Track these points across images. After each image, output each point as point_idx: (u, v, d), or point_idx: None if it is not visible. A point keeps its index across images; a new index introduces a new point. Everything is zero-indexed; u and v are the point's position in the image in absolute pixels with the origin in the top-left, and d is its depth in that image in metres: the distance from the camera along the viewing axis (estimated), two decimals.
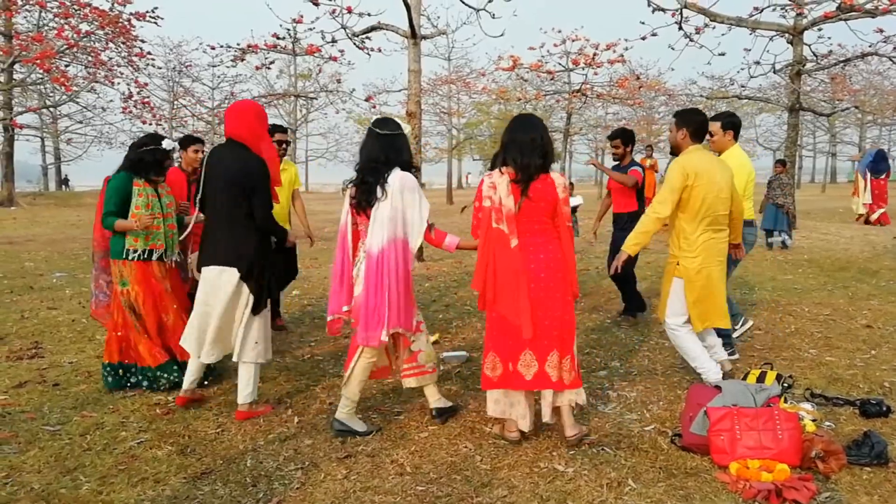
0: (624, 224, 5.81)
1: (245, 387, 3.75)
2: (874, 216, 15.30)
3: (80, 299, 7.26)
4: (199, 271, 3.78)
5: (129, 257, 4.07)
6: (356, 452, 3.32)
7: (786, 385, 4.06)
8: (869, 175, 15.42)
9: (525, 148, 3.29)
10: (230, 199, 3.63)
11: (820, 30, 13.90)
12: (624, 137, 6.10)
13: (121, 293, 4.12)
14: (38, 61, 18.03)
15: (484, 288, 3.36)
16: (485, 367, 3.42)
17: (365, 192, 3.41)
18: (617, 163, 6.16)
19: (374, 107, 20.21)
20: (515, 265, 3.27)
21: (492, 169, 3.43)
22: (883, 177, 15.70)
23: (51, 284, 8.27)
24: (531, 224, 3.31)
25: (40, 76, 21.41)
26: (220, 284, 3.65)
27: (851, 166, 56.28)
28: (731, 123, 4.74)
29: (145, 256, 4.11)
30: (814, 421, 3.37)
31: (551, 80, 22.40)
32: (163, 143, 4.14)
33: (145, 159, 4.09)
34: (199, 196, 3.77)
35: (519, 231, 3.29)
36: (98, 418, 3.78)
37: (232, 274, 3.63)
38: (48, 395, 4.18)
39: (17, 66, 21.03)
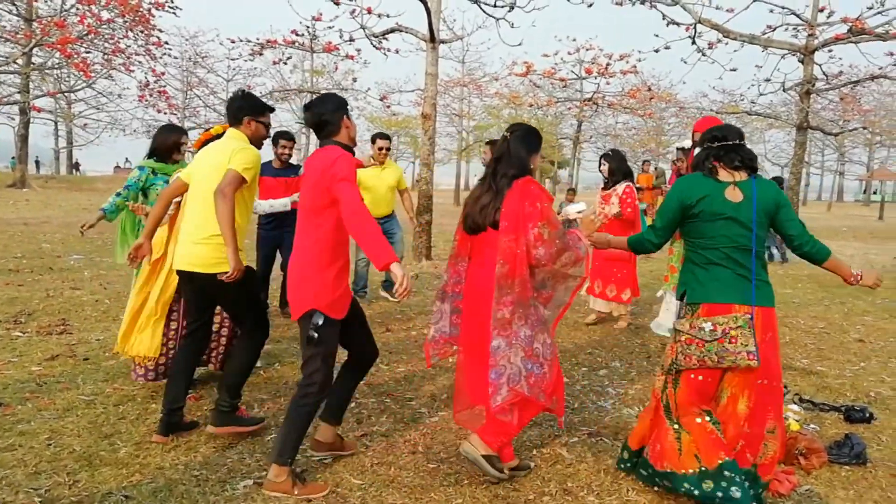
0: None
1: None
2: None
3: (100, 281, 7.52)
4: None
5: None
6: (372, 433, 3.56)
7: None
8: None
9: None
10: None
11: (830, 51, 14.11)
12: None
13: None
14: (59, 46, 18.34)
15: None
16: None
17: None
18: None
19: (388, 106, 20.47)
20: None
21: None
22: None
23: (69, 266, 8.52)
24: None
25: (58, 61, 21.70)
26: None
27: (859, 186, 56.45)
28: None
29: None
30: (797, 421, 3.60)
31: (563, 87, 22.63)
32: None
33: None
34: None
35: None
36: (129, 391, 4.03)
37: None
38: (80, 368, 4.44)
39: (36, 51, 21.32)
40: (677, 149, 5.88)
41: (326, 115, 2.97)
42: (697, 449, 2.71)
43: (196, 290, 3.43)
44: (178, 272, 3.39)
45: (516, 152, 2.94)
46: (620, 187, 5.89)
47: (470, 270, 3.10)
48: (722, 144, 2.82)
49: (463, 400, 3.20)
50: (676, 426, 2.80)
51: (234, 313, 3.56)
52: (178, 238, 3.44)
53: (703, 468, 2.67)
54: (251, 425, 3.47)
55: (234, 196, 3.15)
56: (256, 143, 3.48)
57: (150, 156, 4.46)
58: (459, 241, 3.15)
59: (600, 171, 6.19)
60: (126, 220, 4.55)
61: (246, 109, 3.43)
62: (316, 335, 2.84)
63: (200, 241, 3.25)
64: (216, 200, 3.12)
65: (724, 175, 2.81)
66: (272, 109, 3.59)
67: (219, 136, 3.71)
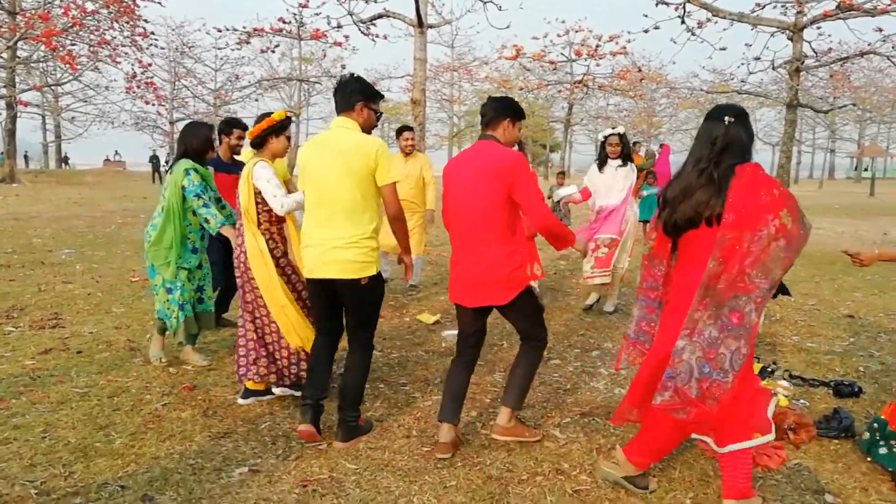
0: None
1: None
2: None
3: (92, 275, 7.50)
4: None
5: None
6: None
7: (769, 370, 4.33)
8: None
9: None
10: None
11: (819, 28, 14.09)
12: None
13: None
14: (44, 39, 18.15)
15: None
16: None
17: None
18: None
19: None
20: None
21: None
22: None
23: (60, 260, 8.49)
24: None
25: (44, 54, 21.51)
26: None
27: (850, 163, 56.69)
28: None
29: None
30: (787, 396, 3.65)
31: (554, 70, 22.64)
32: None
33: None
34: None
35: None
36: (123, 383, 4.04)
37: None
38: (73, 361, 4.44)
39: (20, 44, 21.10)
40: (610, 135, 5.90)
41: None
42: None
43: (331, 297, 3.28)
44: (314, 280, 3.23)
45: (738, 138, 2.46)
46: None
47: (678, 273, 2.65)
48: None
49: (626, 401, 2.87)
50: None
51: (361, 320, 3.32)
52: (309, 243, 3.21)
53: None
54: (367, 432, 3.40)
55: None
56: (367, 131, 3.25)
57: (179, 158, 4.17)
58: (657, 242, 2.73)
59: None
60: (176, 234, 4.16)
61: (359, 94, 3.19)
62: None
63: (347, 246, 3.09)
64: (398, 222, 3.22)
65: None
66: (383, 97, 3.38)
67: (282, 123, 3.54)
